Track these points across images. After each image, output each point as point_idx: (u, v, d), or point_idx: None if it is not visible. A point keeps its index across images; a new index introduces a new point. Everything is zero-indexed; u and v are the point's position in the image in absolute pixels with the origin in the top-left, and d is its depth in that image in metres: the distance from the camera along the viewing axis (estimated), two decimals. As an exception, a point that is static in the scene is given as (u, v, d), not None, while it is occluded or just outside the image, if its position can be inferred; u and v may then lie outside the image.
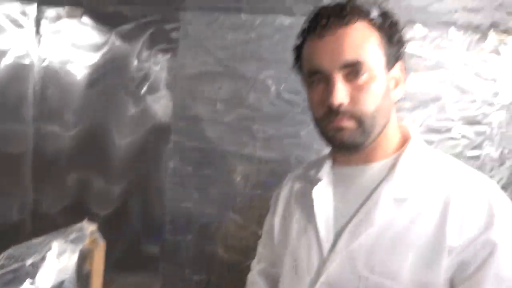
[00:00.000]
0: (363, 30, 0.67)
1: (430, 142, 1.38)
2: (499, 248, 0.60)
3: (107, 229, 1.67)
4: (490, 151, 1.36)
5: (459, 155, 1.37)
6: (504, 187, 1.36)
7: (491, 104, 1.33)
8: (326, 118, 0.69)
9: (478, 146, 1.36)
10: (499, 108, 1.33)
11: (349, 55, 0.65)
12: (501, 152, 1.36)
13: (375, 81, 0.67)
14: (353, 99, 0.66)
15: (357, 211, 0.71)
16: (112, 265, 1.60)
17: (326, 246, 0.72)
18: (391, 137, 0.75)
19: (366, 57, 0.66)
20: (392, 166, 0.71)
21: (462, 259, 0.61)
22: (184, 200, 1.58)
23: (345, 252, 0.69)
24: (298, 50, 0.78)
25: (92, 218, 1.17)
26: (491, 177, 1.37)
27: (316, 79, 0.70)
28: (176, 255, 1.61)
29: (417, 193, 0.67)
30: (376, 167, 0.73)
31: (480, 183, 0.67)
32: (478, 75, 1.32)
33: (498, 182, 1.37)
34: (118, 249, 1.67)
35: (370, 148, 0.72)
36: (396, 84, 0.74)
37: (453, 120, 1.36)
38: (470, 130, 1.36)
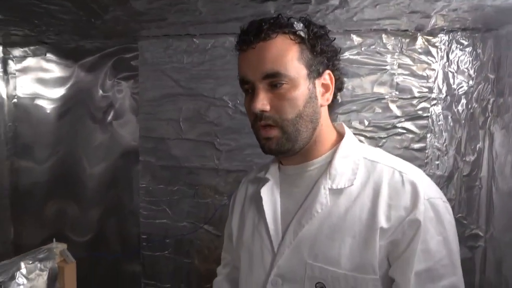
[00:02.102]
0: (283, 44, 0.72)
1: (379, 139, 1.50)
2: (422, 226, 0.66)
3: (88, 253, 1.73)
4: (434, 142, 1.48)
5: (407, 149, 1.49)
6: (451, 173, 1.48)
7: (428, 100, 1.45)
8: (255, 123, 0.75)
9: (423, 139, 1.48)
10: (435, 103, 1.45)
11: (269, 67, 0.70)
12: (444, 142, 1.48)
13: (296, 91, 0.71)
14: (275, 107, 0.72)
15: (300, 205, 0.77)
16: (97, 286, 1.67)
17: (276, 240, 0.77)
18: (326, 136, 0.80)
19: (285, 68, 0.70)
20: (329, 162, 0.77)
21: (393, 239, 0.68)
22: (158, 217, 1.66)
23: (292, 244, 0.74)
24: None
25: (67, 243, 1.23)
26: (438, 165, 1.49)
27: (246, 88, 0.76)
28: (155, 271, 1.67)
29: (351, 184, 0.73)
30: (315, 164, 0.79)
31: (405, 170, 0.73)
32: (413, 74, 1.45)
33: (444, 170, 1.48)
34: (100, 271, 1.72)
35: (308, 148, 0.78)
36: (326, 91, 0.78)
37: (396, 117, 1.47)
38: (413, 125, 1.47)
